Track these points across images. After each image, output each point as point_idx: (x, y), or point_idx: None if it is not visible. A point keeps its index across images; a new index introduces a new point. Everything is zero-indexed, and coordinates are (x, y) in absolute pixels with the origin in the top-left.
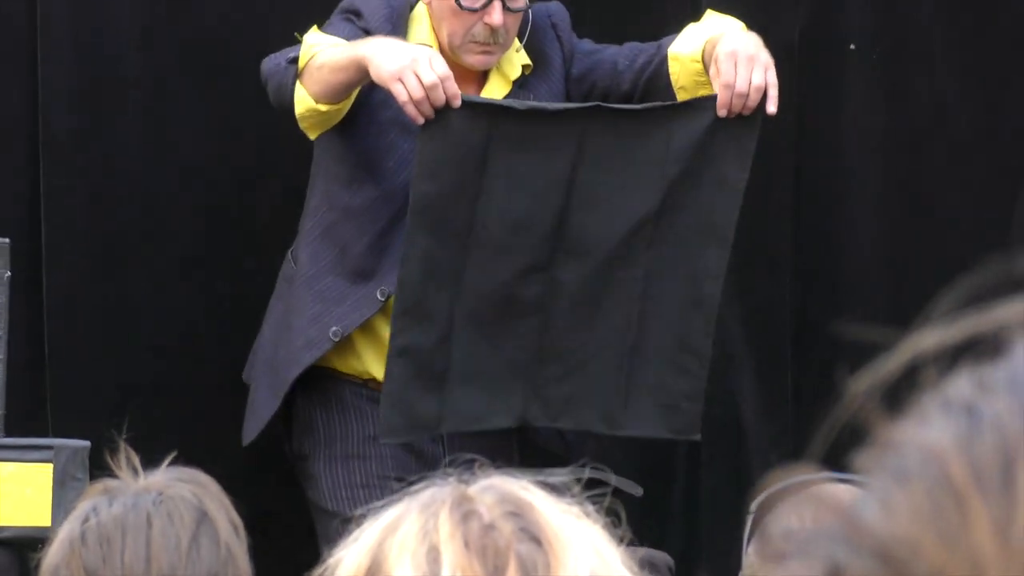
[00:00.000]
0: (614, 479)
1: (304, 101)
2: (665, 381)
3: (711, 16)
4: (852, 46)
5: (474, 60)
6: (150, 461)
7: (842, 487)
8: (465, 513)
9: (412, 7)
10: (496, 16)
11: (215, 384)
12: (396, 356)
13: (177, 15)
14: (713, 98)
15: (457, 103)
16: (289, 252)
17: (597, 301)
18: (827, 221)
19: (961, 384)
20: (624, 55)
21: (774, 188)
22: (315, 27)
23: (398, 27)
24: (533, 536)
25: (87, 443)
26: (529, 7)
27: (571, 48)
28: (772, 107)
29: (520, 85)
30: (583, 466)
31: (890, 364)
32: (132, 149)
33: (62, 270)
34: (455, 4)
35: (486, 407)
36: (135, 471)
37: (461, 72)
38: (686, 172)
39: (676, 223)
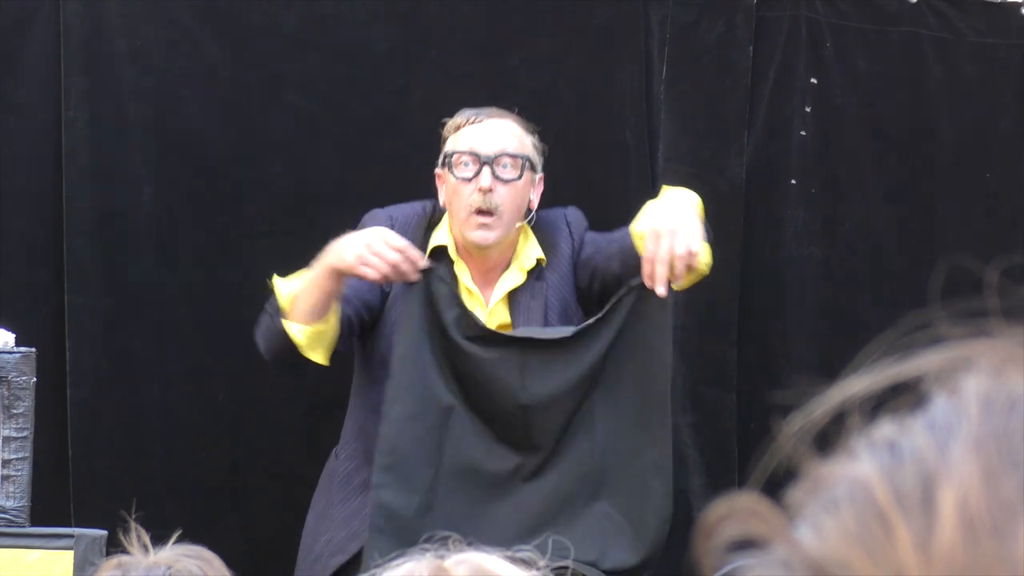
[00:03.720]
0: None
1: (300, 330)
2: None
3: (666, 192)
4: (792, 181)
5: (475, 236)
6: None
7: None
8: None
9: (437, 216)
10: (485, 179)
11: (218, 479)
12: (377, 508)
13: (182, 151)
14: (631, 288)
15: (422, 264)
16: (334, 451)
17: (561, 482)
18: (767, 337)
19: (883, 428)
20: (616, 238)
21: (720, 308)
22: (275, 276)
23: (403, 232)
24: None
25: (104, 532)
26: (536, 209)
27: (580, 240)
28: (694, 263)
29: (536, 276)
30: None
31: (820, 408)
32: (143, 272)
33: (83, 379)
34: (453, 179)
35: None
36: (145, 548)
37: (482, 267)
38: (619, 356)
39: (618, 402)
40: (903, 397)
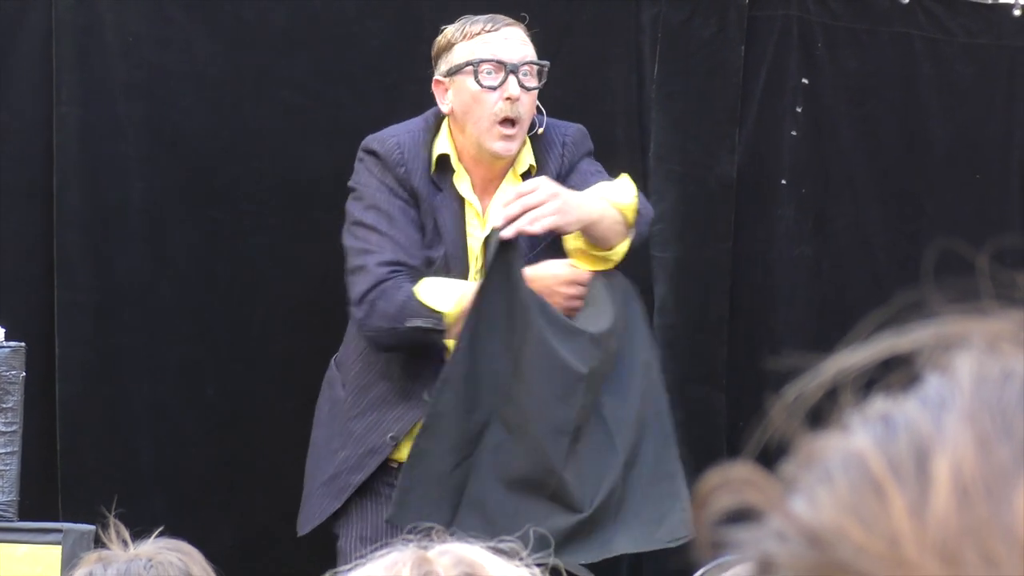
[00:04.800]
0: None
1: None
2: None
3: (615, 185)
4: (783, 181)
5: (498, 147)
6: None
7: None
8: (424, 573)
9: (439, 120)
10: (513, 88)
11: (207, 475)
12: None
13: (173, 147)
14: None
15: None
16: (333, 359)
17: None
18: (757, 335)
19: (877, 403)
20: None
21: (710, 306)
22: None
23: (415, 154)
24: None
25: (92, 527)
26: (543, 118)
27: (571, 164)
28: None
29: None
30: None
31: (813, 383)
32: (134, 268)
33: (72, 374)
34: (476, 86)
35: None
36: (124, 543)
37: (487, 175)
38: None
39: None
40: (895, 375)
